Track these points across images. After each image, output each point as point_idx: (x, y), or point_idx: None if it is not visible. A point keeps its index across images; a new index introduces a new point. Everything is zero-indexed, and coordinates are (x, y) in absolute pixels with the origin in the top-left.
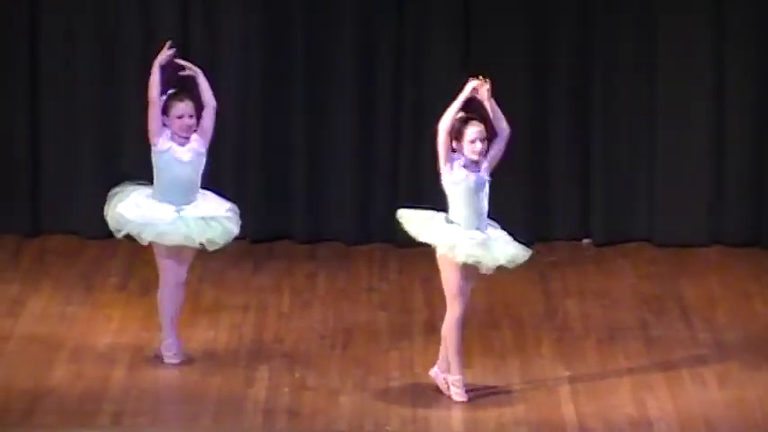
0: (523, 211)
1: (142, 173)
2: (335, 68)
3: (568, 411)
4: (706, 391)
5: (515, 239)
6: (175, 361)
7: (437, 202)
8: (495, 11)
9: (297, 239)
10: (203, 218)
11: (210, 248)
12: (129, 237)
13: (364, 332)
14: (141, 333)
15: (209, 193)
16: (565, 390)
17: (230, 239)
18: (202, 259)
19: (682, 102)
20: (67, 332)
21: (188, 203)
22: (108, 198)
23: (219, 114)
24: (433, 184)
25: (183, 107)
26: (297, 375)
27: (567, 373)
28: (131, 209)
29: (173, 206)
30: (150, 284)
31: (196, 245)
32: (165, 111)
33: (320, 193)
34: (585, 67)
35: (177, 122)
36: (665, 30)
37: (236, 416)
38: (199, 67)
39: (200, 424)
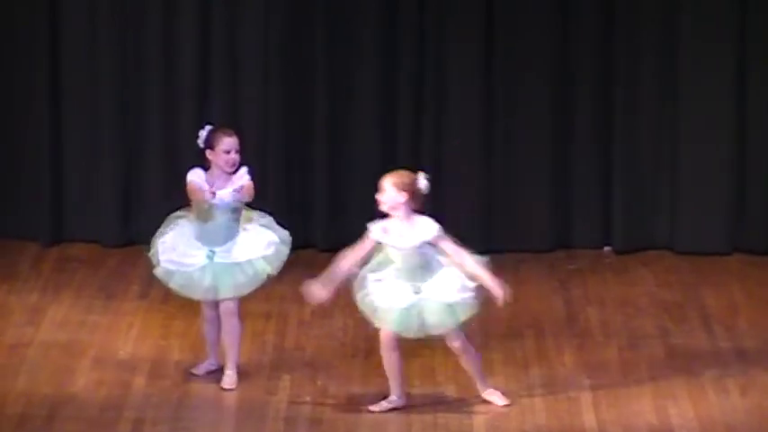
0: (545, 219)
1: (162, 183)
2: (357, 79)
3: (589, 419)
4: (728, 399)
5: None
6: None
7: (458, 213)
8: (518, 25)
9: (318, 248)
10: (236, 263)
11: (238, 295)
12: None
13: None
14: (162, 341)
15: (252, 229)
16: (586, 398)
17: (262, 281)
18: None
19: (704, 111)
20: (88, 340)
21: (224, 244)
22: (164, 223)
23: (240, 123)
24: (452, 196)
25: (231, 142)
26: (318, 383)
27: (588, 381)
28: (167, 251)
29: (206, 248)
30: (171, 295)
31: (217, 298)
32: (211, 144)
33: (341, 202)
34: (607, 78)
35: (224, 157)
36: (689, 38)
37: (258, 424)
38: (220, 76)
39: (221, 431)
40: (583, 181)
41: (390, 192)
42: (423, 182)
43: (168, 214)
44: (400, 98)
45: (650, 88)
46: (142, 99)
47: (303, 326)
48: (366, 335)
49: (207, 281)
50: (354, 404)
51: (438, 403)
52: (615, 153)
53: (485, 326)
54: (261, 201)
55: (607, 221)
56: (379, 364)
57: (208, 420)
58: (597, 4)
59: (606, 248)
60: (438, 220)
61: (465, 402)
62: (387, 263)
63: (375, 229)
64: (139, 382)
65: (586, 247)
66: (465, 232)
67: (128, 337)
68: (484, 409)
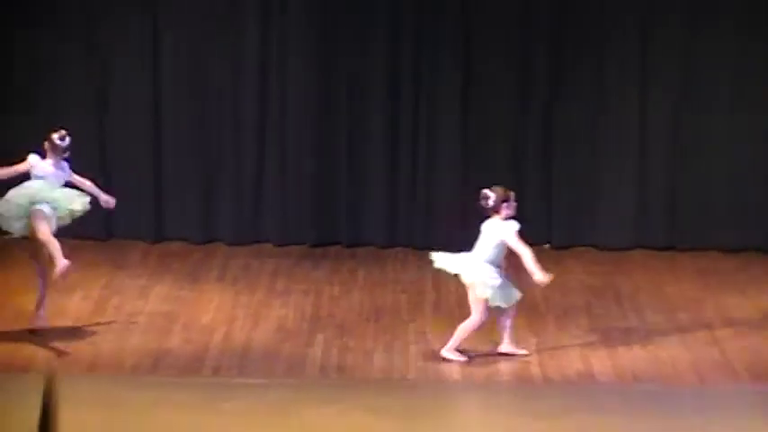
0: None
1: (234, 196)
2: (369, 123)
3: (535, 367)
4: (632, 351)
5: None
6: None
7: (443, 216)
8: (488, 76)
9: (343, 244)
10: None
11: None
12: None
13: (391, 310)
14: (233, 311)
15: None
16: (532, 351)
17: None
18: (278, 257)
19: (616, 141)
20: (181, 310)
21: None
22: None
23: (288, 149)
24: (439, 204)
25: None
26: (343, 340)
27: (535, 340)
28: None
29: None
30: (239, 278)
31: None
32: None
33: (359, 212)
34: (547, 123)
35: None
36: (606, 80)
37: (300, 370)
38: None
39: (274, 375)
40: (532, 196)
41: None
42: (55, 137)
43: (237, 220)
44: (401, 137)
45: (581, 130)
46: (216, 125)
47: (332, 300)
48: (377, 306)
49: None
50: (368, 356)
51: (428, 354)
52: (554, 177)
53: (462, 300)
54: (301, 213)
55: (548, 225)
56: (386, 327)
57: (264, 368)
58: (545, 67)
59: (546, 245)
60: (428, 222)
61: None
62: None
63: (32, 158)
64: (216, 340)
65: (534, 244)
66: (449, 231)
67: (208, 308)
68: (457, 361)
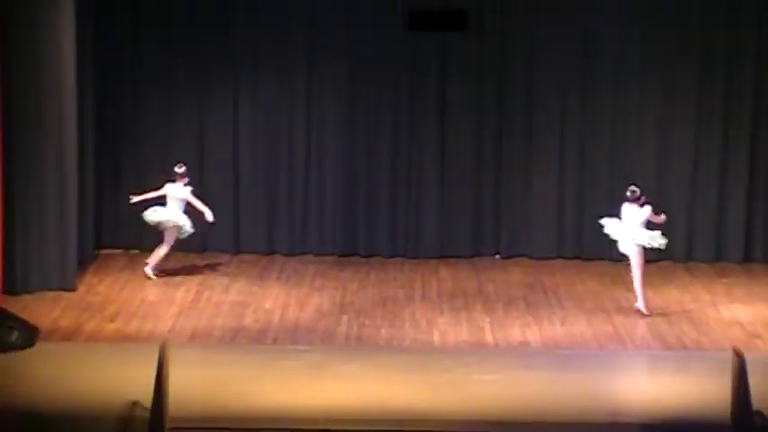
0: (470, 238)
1: (292, 219)
2: (376, 179)
3: (489, 336)
4: (554, 327)
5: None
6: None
7: (426, 231)
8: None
9: (360, 255)
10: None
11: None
12: None
13: (393, 299)
14: (287, 300)
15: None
16: (487, 327)
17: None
18: (317, 264)
19: (544, 186)
20: (251, 300)
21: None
22: None
23: (326, 180)
24: (429, 231)
25: None
26: (360, 319)
27: (488, 319)
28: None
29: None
30: (291, 278)
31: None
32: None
33: (371, 234)
34: (500, 172)
35: None
36: (536, 142)
37: (330, 339)
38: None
39: (314, 343)
40: (487, 218)
41: None
42: (176, 168)
43: (289, 239)
44: (401, 178)
45: (517, 177)
46: (275, 173)
47: (353, 292)
48: (383, 297)
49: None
50: (377, 330)
51: (417, 328)
52: (502, 204)
53: (440, 293)
54: (336, 231)
55: (497, 241)
56: (390, 310)
57: (307, 338)
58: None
59: (497, 256)
60: (416, 241)
61: (429, 328)
62: None
63: (167, 186)
64: (275, 320)
65: (488, 254)
66: (428, 242)
67: (269, 298)
68: (437, 330)
